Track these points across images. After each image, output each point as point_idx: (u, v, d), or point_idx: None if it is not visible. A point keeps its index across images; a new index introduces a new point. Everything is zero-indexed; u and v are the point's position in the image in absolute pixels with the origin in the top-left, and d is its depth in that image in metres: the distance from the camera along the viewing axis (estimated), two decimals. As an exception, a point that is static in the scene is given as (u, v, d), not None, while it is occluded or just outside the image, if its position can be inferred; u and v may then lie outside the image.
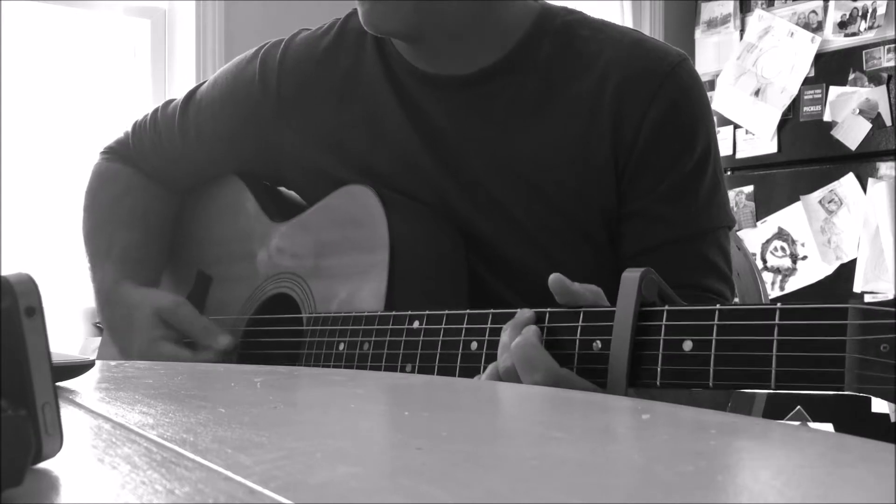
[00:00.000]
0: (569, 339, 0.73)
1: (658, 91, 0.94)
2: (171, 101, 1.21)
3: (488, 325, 0.79)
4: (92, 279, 1.17)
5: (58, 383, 0.52)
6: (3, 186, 2.24)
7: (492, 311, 0.80)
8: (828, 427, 2.70)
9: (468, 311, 0.82)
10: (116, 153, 1.24)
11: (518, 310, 0.77)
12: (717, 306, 0.66)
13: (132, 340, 1.08)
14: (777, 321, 0.62)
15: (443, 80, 1.00)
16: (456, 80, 1.00)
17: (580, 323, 0.73)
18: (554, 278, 0.74)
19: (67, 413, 0.47)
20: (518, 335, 0.73)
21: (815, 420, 2.76)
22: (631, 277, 0.70)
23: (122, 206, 1.20)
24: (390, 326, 0.87)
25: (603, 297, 0.75)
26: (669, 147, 0.95)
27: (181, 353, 1.04)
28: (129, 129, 1.24)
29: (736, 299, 1.02)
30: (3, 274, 0.34)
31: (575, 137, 0.96)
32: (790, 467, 0.39)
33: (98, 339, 1.31)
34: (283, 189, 1.18)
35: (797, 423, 2.74)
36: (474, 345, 0.80)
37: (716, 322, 0.65)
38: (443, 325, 0.83)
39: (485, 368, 0.77)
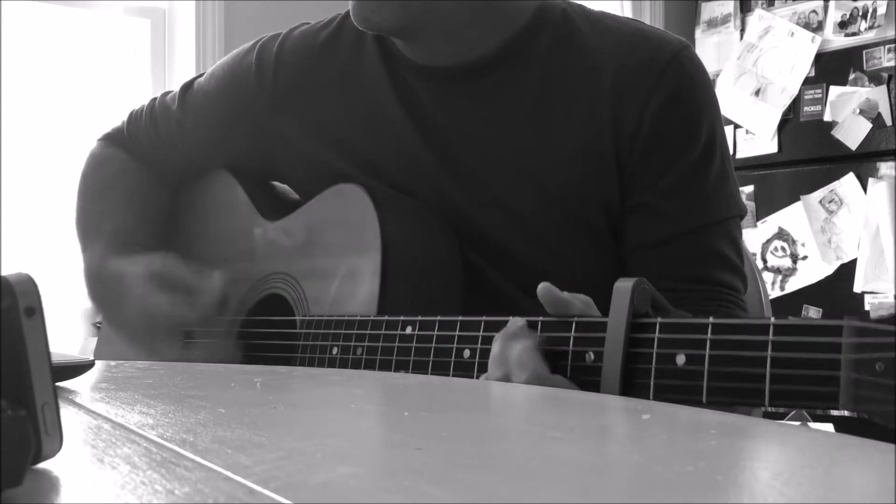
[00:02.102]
0: (561, 349, 0.72)
1: (660, 80, 0.93)
2: (168, 92, 1.21)
3: (480, 333, 0.79)
4: (82, 258, 1.15)
5: (58, 383, 0.52)
6: (3, 186, 2.24)
7: (484, 318, 0.79)
8: (828, 427, 2.70)
9: (460, 317, 0.81)
10: (113, 140, 1.24)
11: (510, 318, 0.76)
12: (711, 319, 0.64)
13: (127, 307, 1.06)
14: (771, 337, 0.61)
15: (441, 72, 1.00)
16: (453, 71, 0.99)
17: (573, 333, 0.72)
18: (542, 287, 0.73)
19: (67, 413, 0.47)
20: (508, 344, 0.72)
21: (815, 420, 2.76)
22: (623, 288, 0.69)
23: (114, 188, 1.19)
24: (383, 332, 0.87)
25: (593, 306, 0.75)
26: (673, 137, 0.94)
27: (178, 305, 1.02)
28: (126, 117, 1.24)
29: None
30: (3, 274, 0.34)
31: (575, 130, 0.95)
32: (790, 467, 0.39)
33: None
34: (275, 184, 1.18)
35: (797, 423, 2.74)
36: (467, 353, 0.79)
37: (709, 336, 0.64)
38: (435, 332, 0.82)
39: (477, 377, 0.77)
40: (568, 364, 0.72)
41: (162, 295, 1.03)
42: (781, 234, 2.95)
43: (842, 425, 2.68)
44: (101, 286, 1.11)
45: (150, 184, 1.21)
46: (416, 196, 0.99)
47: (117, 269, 1.09)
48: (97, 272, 1.12)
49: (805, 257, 2.90)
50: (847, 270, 2.80)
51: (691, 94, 0.95)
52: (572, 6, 1.01)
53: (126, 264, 1.08)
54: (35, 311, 0.34)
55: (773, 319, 0.62)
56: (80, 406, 0.50)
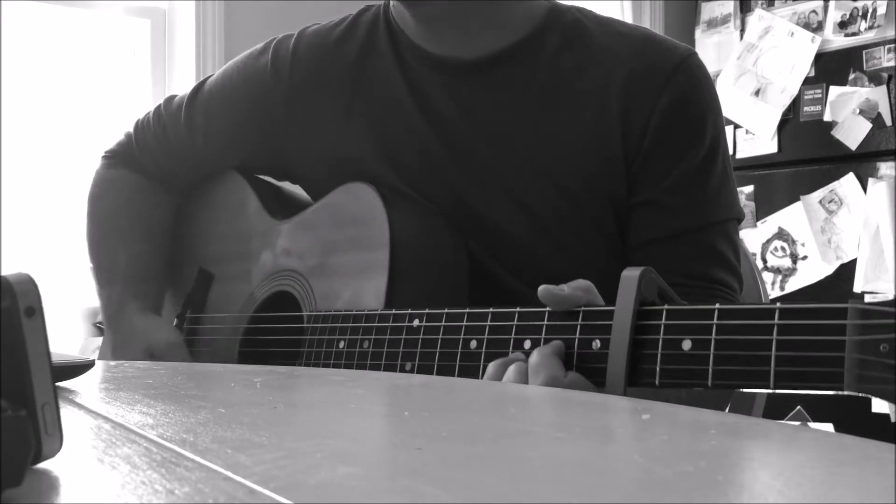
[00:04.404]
0: (568, 338, 0.73)
1: (667, 84, 0.95)
2: (173, 96, 1.21)
3: (487, 324, 0.79)
4: (99, 295, 1.19)
5: (58, 383, 0.52)
6: (4, 186, 2.24)
7: (491, 310, 0.80)
8: (828, 427, 2.70)
9: (468, 309, 0.82)
10: (119, 156, 1.24)
11: (517, 309, 0.77)
12: (717, 305, 0.66)
13: (130, 359, 1.10)
14: (776, 321, 0.62)
15: (451, 64, 1.01)
16: (464, 64, 1.01)
17: (579, 322, 0.73)
18: (543, 290, 0.74)
19: (67, 413, 0.47)
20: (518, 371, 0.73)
21: (815, 420, 2.76)
22: (630, 276, 0.70)
23: (124, 217, 1.21)
24: (390, 324, 0.87)
25: (595, 291, 0.76)
26: (678, 139, 0.96)
27: None
28: (131, 129, 1.24)
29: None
30: (3, 274, 0.34)
31: (584, 128, 0.97)
32: (790, 467, 0.39)
33: (98, 339, 1.32)
34: (285, 185, 1.18)
35: (797, 423, 2.74)
36: (473, 343, 0.80)
37: (715, 321, 0.65)
38: (442, 324, 0.83)
39: (484, 367, 0.78)
40: (574, 352, 0.72)
41: None
42: (781, 234, 2.95)
43: (842, 425, 2.68)
44: (115, 331, 1.16)
45: (159, 206, 1.23)
46: (429, 188, 1.00)
47: (130, 325, 1.14)
48: (116, 317, 1.16)
49: (805, 257, 2.90)
50: (847, 270, 2.80)
51: (697, 97, 0.98)
52: (582, 11, 1.04)
53: (139, 325, 1.14)
54: (35, 311, 0.34)
55: (778, 304, 0.62)
56: (80, 406, 0.50)
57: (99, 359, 1.23)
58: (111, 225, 1.21)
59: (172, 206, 1.24)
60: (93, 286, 1.21)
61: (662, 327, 0.68)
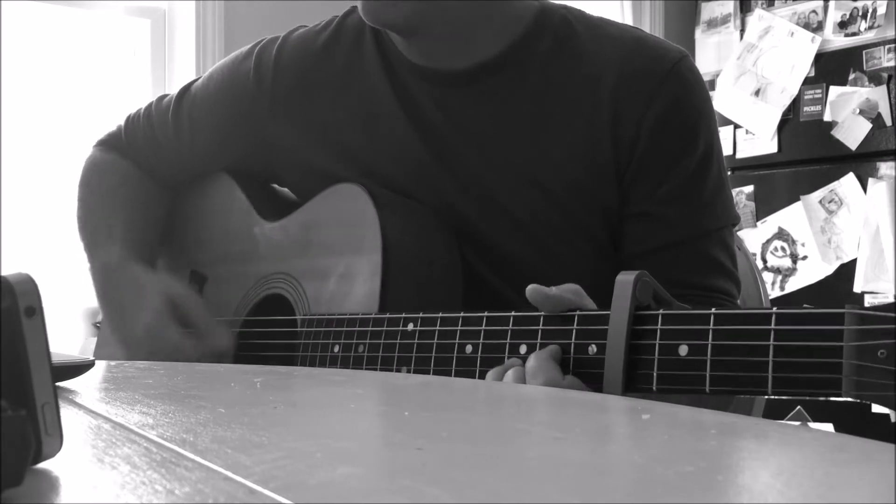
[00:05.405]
0: (564, 342, 0.73)
1: (658, 89, 0.93)
2: (164, 95, 1.20)
3: (483, 328, 0.79)
4: (92, 260, 1.13)
5: (58, 383, 0.52)
6: (3, 186, 2.24)
7: (486, 313, 0.79)
8: (828, 427, 2.70)
9: (462, 313, 0.81)
10: (109, 145, 1.23)
11: (511, 314, 0.77)
12: (713, 310, 0.65)
13: (135, 320, 1.04)
14: (773, 326, 0.62)
15: (439, 74, 1.00)
16: (452, 74, 0.99)
17: (575, 326, 0.73)
18: (531, 290, 0.73)
19: (67, 413, 0.47)
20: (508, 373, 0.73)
21: (815, 420, 2.76)
22: (625, 281, 0.69)
23: (118, 193, 1.18)
24: (385, 328, 0.87)
25: (584, 294, 0.75)
26: (671, 146, 0.94)
27: (183, 343, 1.01)
28: (122, 122, 1.23)
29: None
30: (3, 274, 0.34)
31: (574, 135, 0.95)
32: (790, 467, 0.39)
33: (99, 339, 1.30)
34: (275, 186, 1.18)
35: (797, 423, 2.74)
36: (469, 348, 0.79)
37: (711, 326, 0.64)
38: (437, 328, 0.82)
39: (480, 372, 0.77)
40: (570, 357, 0.72)
41: (173, 327, 1.02)
42: (781, 234, 2.95)
43: (842, 425, 2.68)
44: (115, 289, 1.09)
45: (153, 185, 1.21)
46: (416, 198, 0.99)
47: (137, 279, 1.07)
48: (113, 274, 1.09)
49: (805, 257, 2.90)
50: (847, 270, 2.80)
51: (689, 103, 0.95)
52: (572, 11, 1.02)
53: (147, 278, 1.07)
54: (35, 311, 0.34)
55: (775, 309, 0.62)
56: (80, 406, 0.50)
57: (97, 347, 1.22)
58: (104, 200, 1.18)
59: (164, 197, 1.22)
60: (84, 259, 1.14)
61: (658, 332, 0.67)
